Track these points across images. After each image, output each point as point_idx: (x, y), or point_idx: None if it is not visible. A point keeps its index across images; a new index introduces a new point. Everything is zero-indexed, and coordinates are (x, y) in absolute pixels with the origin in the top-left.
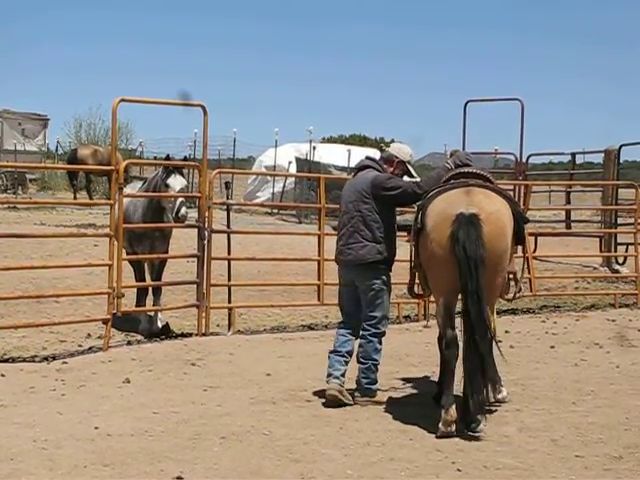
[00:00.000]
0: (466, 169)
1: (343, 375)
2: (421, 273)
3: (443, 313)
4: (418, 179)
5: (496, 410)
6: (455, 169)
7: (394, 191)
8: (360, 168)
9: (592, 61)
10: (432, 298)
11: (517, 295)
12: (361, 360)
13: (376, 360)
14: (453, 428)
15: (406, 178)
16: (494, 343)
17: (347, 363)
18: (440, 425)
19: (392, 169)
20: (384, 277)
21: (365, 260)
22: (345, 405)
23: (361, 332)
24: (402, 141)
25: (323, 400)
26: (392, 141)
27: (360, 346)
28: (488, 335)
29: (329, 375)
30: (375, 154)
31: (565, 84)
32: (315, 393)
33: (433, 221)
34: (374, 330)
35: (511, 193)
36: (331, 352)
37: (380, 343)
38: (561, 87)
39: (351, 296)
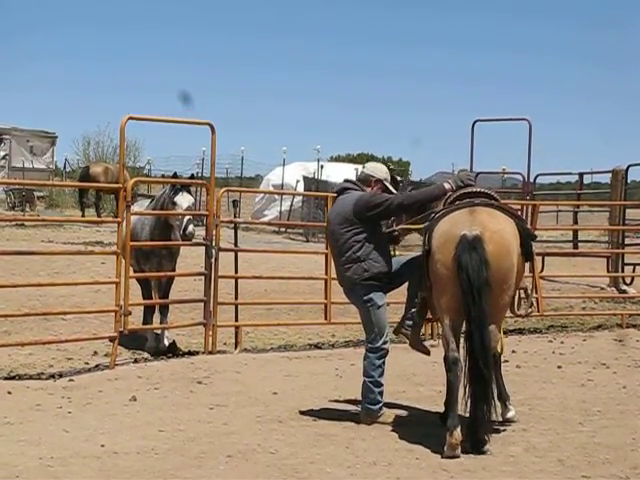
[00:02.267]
0: (470, 189)
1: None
2: (429, 295)
3: (447, 333)
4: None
5: (503, 430)
6: (458, 190)
7: (379, 208)
8: (340, 191)
9: (601, 82)
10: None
11: (529, 311)
12: (363, 378)
13: (373, 377)
14: (458, 451)
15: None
16: (500, 364)
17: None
18: (445, 449)
19: (370, 189)
20: (374, 294)
21: (353, 281)
22: None
23: (364, 355)
24: (409, 160)
25: (329, 419)
26: (400, 160)
27: (363, 367)
28: (491, 360)
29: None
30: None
31: (573, 105)
32: (321, 412)
33: (438, 242)
34: (370, 345)
35: (518, 212)
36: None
37: (379, 359)
38: (569, 108)
39: None
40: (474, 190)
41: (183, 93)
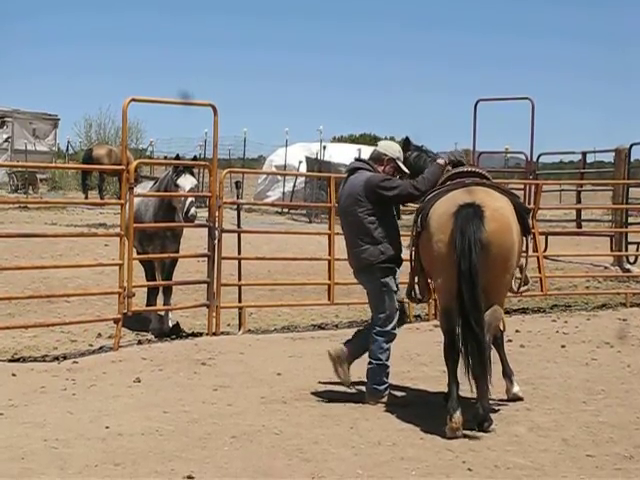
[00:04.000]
0: (461, 168)
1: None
2: (421, 277)
3: (445, 315)
4: (414, 180)
5: (507, 409)
6: (451, 170)
7: (390, 191)
8: (351, 171)
9: (603, 61)
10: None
11: (522, 289)
12: (369, 360)
13: (380, 360)
14: (459, 433)
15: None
16: (503, 341)
17: (352, 343)
18: (446, 430)
19: (383, 168)
20: (387, 277)
21: (370, 263)
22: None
23: (370, 337)
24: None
25: (333, 399)
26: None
27: (370, 346)
28: (483, 322)
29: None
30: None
31: (576, 84)
32: (325, 392)
33: (437, 223)
34: (379, 329)
35: (521, 192)
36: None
37: (387, 342)
38: (572, 87)
39: None
40: (465, 170)
41: (183, 93)
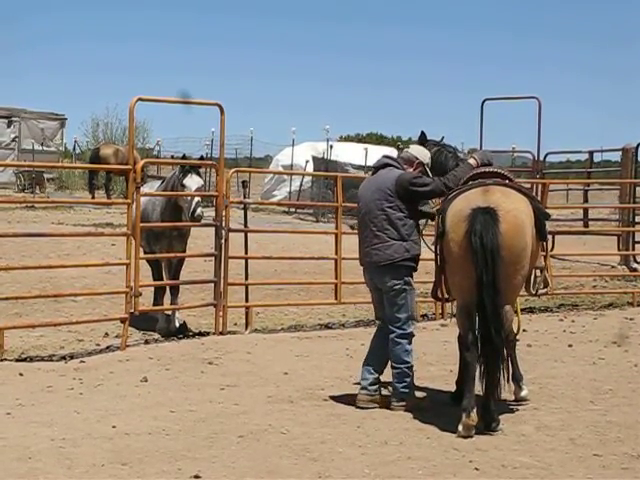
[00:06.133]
0: (484, 169)
1: (372, 384)
2: (444, 276)
3: (463, 314)
4: (445, 177)
5: (514, 409)
6: (475, 169)
7: (423, 187)
8: (380, 166)
9: (610, 61)
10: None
11: (541, 291)
12: (393, 365)
13: (408, 363)
14: (473, 432)
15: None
16: (515, 344)
17: (377, 372)
18: (460, 428)
19: (412, 169)
20: (408, 276)
21: (393, 259)
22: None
23: (390, 335)
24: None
25: (340, 399)
26: (409, 139)
27: (390, 350)
28: (503, 331)
29: (360, 384)
30: (392, 153)
31: (583, 83)
32: (332, 392)
33: (451, 221)
34: (401, 332)
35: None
36: (363, 363)
37: (410, 344)
38: (579, 86)
39: (381, 300)
40: (487, 170)
41: (183, 93)
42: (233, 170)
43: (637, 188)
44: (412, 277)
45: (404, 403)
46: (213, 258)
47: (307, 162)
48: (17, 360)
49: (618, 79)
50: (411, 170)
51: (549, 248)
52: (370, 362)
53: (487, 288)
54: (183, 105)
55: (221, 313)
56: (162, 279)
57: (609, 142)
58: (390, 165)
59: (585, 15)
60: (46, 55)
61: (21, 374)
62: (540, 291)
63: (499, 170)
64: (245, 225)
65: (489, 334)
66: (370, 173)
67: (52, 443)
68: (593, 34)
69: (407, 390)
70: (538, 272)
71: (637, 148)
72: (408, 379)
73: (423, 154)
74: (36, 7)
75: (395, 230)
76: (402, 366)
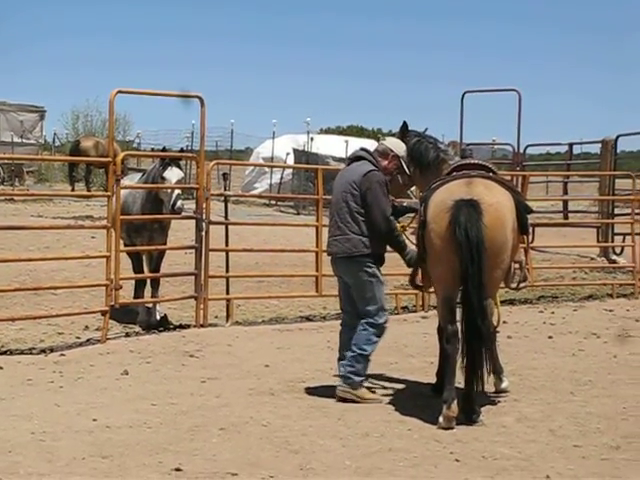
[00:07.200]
0: (467, 160)
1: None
2: (425, 266)
3: (444, 306)
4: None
5: (495, 400)
6: (458, 160)
7: (371, 200)
8: (354, 159)
9: (589, 51)
10: (431, 289)
11: (521, 285)
12: (352, 347)
13: (365, 350)
14: (454, 423)
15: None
16: (495, 337)
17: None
18: (441, 420)
19: (386, 162)
20: (372, 269)
21: (351, 253)
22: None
23: (361, 321)
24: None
25: (321, 391)
26: (390, 132)
27: (357, 332)
28: (488, 322)
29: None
30: (372, 145)
31: (562, 74)
32: (313, 384)
33: (432, 211)
34: (371, 321)
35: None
36: (338, 359)
37: (376, 336)
38: (559, 77)
39: (347, 291)
40: (471, 162)
41: (182, 89)
42: (214, 162)
43: (616, 180)
44: (378, 269)
45: (348, 388)
46: (194, 250)
47: (288, 154)
48: None
49: (599, 70)
50: (385, 163)
51: (529, 240)
52: (343, 357)
53: (472, 281)
54: (181, 100)
55: (202, 306)
56: (143, 272)
57: (589, 134)
58: (364, 158)
59: (566, 3)
60: (25, 48)
61: (1, 367)
62: (520, 285)
63: (483, 162)
64: (226, 217)
65: (476, 327)
66: (346, 164)
67: (32, 436)
68: (576, 23)
69: (352, 376)
70: (517, 266)
71: (616, 140)
72: (359, 365)
73: (399, 147)
74: (15, 2)
75: (356, 224)
76: (357, 351)
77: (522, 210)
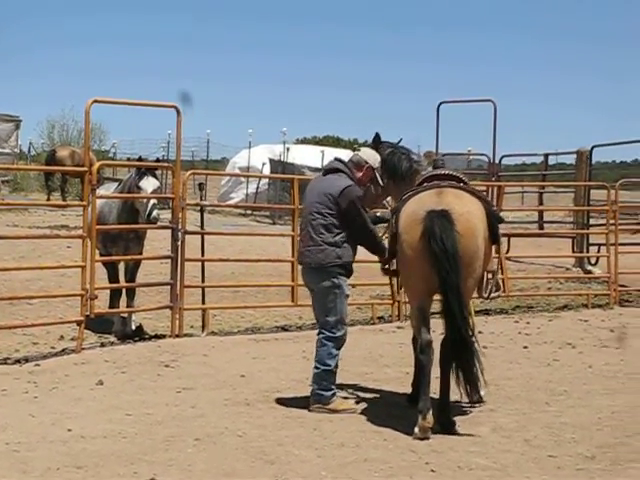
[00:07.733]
0: (438, 171)
1: None
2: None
3: (418, 316)
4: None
5: (470, 410)
6: (430, 171)
7: (355, 215)
8: (331, 170)
9: (565, 58)
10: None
11: (493, 295)
12: (315, 365)
13: (329, 366)
14: (429, 434)
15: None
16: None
17: None
18: (416, 430)
19: (361, 174)
20: (339, 280)
21: (323, 264)
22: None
23: (318, 336)
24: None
25: (297, 401)
26: (366, 142)
27: (316, 350)
28: (471, 330)
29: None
30: (348, 156)
31: (539, 83)
32: (289, 394)
33: (404, 222)
34: (329, 334)
35: (485, 194)
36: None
37: (336, 349)
38: (534, 86)
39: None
40: (442, 172)
41: (183, 94)
42: (190, 172)
43: (591, 191)
44: (344, 281)
45: (320, 405)
46: (169, 260)
47: (264, 164)
48: None
49: (575, 78)
50: (360, 175)
51: (504, 250)
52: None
53: (452, 291)
54: (184, 103)
55: (177, 315)
56: (118, 281)
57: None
58: (341, 171)
59: (541, 10)
60: None
61: None
62: (492, 295)
63: (454, 173)
64: (202, 227)
65: (460, 336)
66: (320, 174)
67: (7, 447)
68: (550, 29)
69: (322, 392)
70: (490, 276)
71: (591, 151)
72: (326, 382)
73: (373, 158)
74: None
75: (330, 235)
76: (322, 367)
77: (493, 219)
